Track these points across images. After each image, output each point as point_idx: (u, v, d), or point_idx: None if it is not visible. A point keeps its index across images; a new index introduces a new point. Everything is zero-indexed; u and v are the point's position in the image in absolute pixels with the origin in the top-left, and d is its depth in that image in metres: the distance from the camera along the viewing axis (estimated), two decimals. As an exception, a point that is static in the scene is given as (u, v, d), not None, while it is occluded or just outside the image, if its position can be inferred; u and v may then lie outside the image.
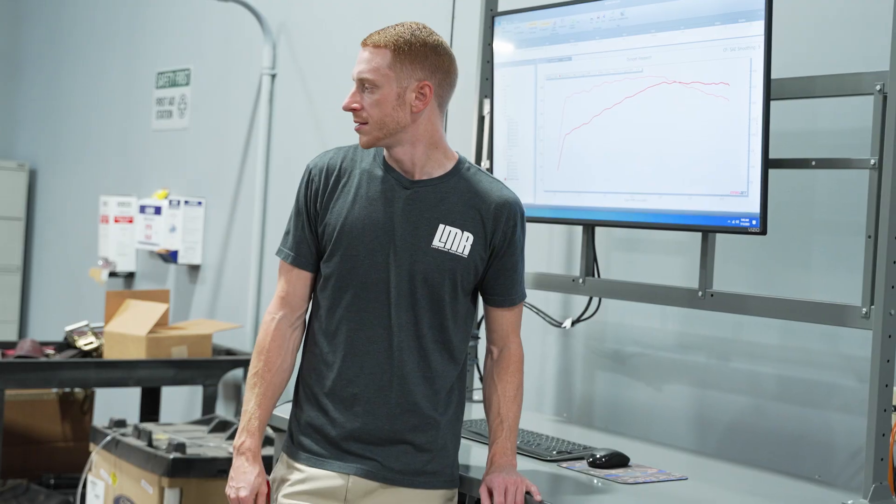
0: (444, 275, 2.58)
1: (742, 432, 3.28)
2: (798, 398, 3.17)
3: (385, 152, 2.64)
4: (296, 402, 2.72)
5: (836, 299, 2.89)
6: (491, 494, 2.58)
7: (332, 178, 2.64)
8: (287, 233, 2.69)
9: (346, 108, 2.57)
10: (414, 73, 2.55)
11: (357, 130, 2.59)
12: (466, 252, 2.59)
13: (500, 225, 2.61)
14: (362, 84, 2.55)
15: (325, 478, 2.60)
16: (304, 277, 2.67)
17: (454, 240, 2.59)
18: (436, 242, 2.58)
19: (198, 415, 5.29)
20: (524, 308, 3.58)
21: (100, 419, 5.41)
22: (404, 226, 2.58)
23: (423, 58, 2.55)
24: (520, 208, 2.65)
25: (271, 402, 2.68)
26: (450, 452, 2.66)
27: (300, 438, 2.66)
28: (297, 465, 2.65)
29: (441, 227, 2.59)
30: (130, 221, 6.29)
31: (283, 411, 3.20)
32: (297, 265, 2.66)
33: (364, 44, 2.58)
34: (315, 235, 2.65)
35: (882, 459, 2.63)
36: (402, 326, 2.58)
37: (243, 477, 2.61)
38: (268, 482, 2.65)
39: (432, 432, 2.62)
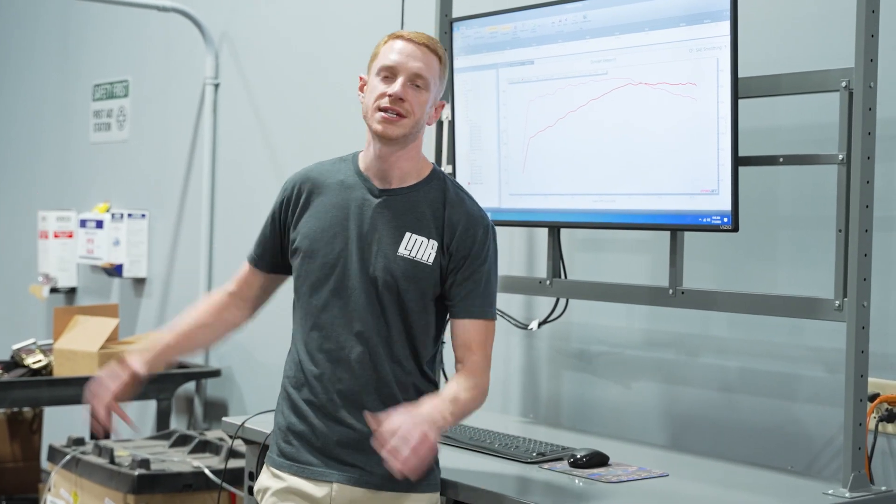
0: (409, 282, 2.59)
1: (713, 427, 3.32)
2: (768, 391, 3.21)
3: (362, 161, 2.66)
4: (278, 409, 2.72)
5: (801, 292, 2.95)
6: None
7: (305, 192, 2.67)
8: (258, 237, 2.80)
9: (396, 96, 2.53)
10: (442, 89, 2.65)
11: (390, 120, 2.54)
12: (431, 260, 2.60)
13: (456, 234, 2.61)
14: (415, 80, 2.56)
15: (308, 487, 2.61)
16: (258, 277, 2.80)
17: (419, 248, 2.60)
18: (401, 250, 2.60)
19: (149, 430, 5.24)
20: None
21: (49, 438, 5.33)
22: (371, 234, 2.61)
23: (446, 76, 2.66)
24: (484, 223, 2.65)
25: (181, 334, 2.78)
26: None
27: (282, 446, 2.66)
28: (280, 474, 2.65)
29: (407, 235, 2.61)
30: (70, 236, 6.21)
31: (259, 423, 3.19)
32: (255, 265, 2.79)
33: (413, 40, 2.58)
34: (280, 242, 2.72)
35: (860, 448, 2.68)
36: (373, 333, 2.59)
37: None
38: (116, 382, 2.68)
39: None
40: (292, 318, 2.71)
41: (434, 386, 2.68)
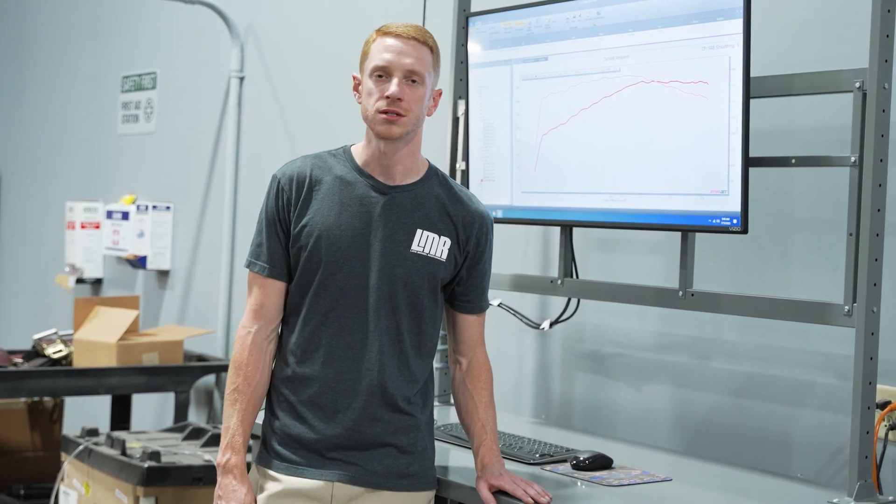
0: (423, 278, 2.60)
1: (723, 432, 3.27)
2: (778, 397, 3.16)
3: (359, 157, 2.64)
4: (269, 411, 2.68)
5: (814, 297, 2.89)
6: (499, 492, 2.58)
7: (305, 187, 2.61)
8: (258, 244, 2.64)
9: (394, 97, 2.51)
10: (437, 78, 2.62)
11: (390, 121, 2.53)
12: (444, 256, 2.61)
13: (474, 232, 2.65)
14: (410, 76, 2.53)
15: (307, 486, 2.58)
16: (279, 288, 2.63)
17: (432, 244, 2.60)
18: (415, 247, 2.59)
19: (169, 422, 5.24)
20: (501, 309, 3.60)
21: (69, 428, 5.35)
22: (382, 231, 2.58)
23: (439, 64, 2.63)
24: (490, 220, 2.71)
25: (252, 418, 2.64)
26: (429, 454, 2.68)
27: (277, 448, 2.63)
28: (276, 475, 2.62)
29: (419, 231, 2.59)
30: (97, 227, 6.23)
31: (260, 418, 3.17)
32: (273, 276, 2.62)
33: (402, 35, 2.54)
34: (288, 245, 2.62)
35: (866, 457, 2.62)
36: (383, 331, 2.58)
37: (233, 495, 2.57)
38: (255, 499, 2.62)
39: (414, 433, 2.63)
40: (284, 317, 2.66)
41: (430, 372, 2.69)
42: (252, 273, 2.64)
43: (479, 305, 2.71)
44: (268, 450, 2.65)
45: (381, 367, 2.57)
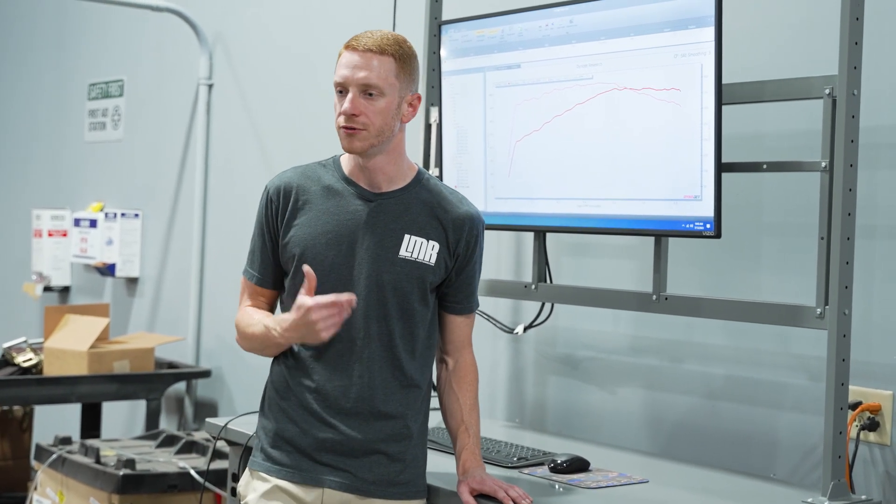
0: (412, 283, 2.61)
1: (696, 433, 3.32)
2: (751, 398, 3.21)
3: (346, 166, 2.66)
4: (263, 415, 2.70)
5: (784, 299, 2.94)
6: (480, 495, 2.61)
7: (291, 197, 2.64)
8: (252, 251, 2.70)
9: (349, 114, 2.52)
10: (410, 84, 2.59)
11: (350, 134, 2.54)
12: (433, 260, 2.62)
13: (463, 235, 2.65)
14: (365, 89, 2.53)
15: (297, 490, 2.60)
16: (269, 295, 2.69)
17: (420, 249, 2.61)
18: (402, 252, 2.60)
19: (140, 429, 5.24)
20: (475, 314, 3.62)
21: (39, 436, 5.33)
22: (370, 238, 2.59)
23: (414, 69, 2.60)
24: (480, 221, 2.71)
25: None
26: (420, 463, 2.68)
27: (270, 451, 2.64)
28: (268, 478, 2.63)
29: (406, 237, 2.61)
30: (65, 235, 6.21)
31: (242, 425, 3.18)
32: (262, 285, 2.67)
33: (358, 48, 2.54)
34: (277, 254, 2.65)
35: (839, 457, 2.67)
36: (374, 337, 2.59)
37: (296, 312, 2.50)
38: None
39: (405, 442, 2.63)
40: None
41: (428, 374, 2.69)
42: (244, 278, 2.71)
43: (467, 306, 2.72)
44: (259, 452, 2.67)
45: (371, 373, 2.59)
